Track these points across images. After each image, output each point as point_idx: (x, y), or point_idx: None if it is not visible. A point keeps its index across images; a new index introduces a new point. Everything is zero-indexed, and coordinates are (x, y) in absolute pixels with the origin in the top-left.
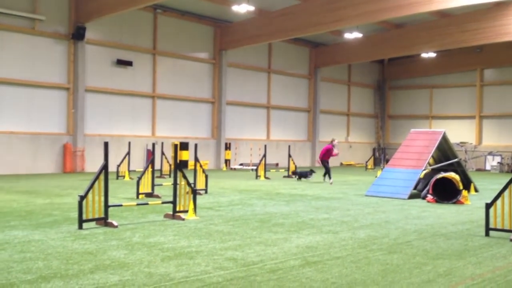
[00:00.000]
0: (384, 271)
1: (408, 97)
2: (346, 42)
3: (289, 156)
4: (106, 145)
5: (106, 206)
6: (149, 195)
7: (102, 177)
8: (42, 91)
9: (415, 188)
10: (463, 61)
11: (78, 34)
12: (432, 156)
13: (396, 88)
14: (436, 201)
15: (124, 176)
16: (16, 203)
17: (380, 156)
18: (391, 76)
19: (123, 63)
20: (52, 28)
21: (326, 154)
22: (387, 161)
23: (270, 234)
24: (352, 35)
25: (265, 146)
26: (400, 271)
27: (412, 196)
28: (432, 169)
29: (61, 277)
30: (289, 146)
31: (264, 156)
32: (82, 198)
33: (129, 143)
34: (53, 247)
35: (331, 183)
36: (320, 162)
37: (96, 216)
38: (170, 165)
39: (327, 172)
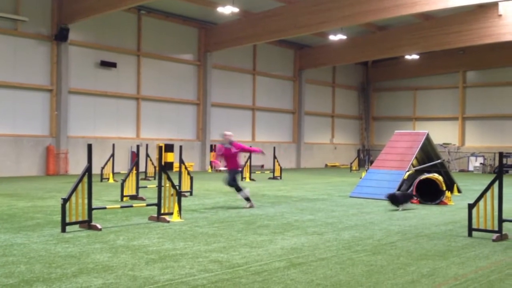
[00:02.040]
0: (368, 272)
1: (392, 99)
2: (330, 44)
3: (275, 157)
4: (89, 147)
5: (90, 209)
6: (134, 197)
7: (85, 179)
8: (24, 93)
9: (399, 189)
10: (446, 63)
11: (61, 35)
12: (416, 157)
13: (380, 90)
14: (420, 202)
15: (108, 179)
16: None
17: (365, 157)
18: (375, 78)
19: (107, 64)
20: (34, 29)
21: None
22: (371, 162)
23: (255, 236)
24: (337, 37)
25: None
26: (384, 272)
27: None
28: (416, 170)
29: (43, 281)
30: (274, 148)
31: (249, 157)
32: (65, 201)
33: (113, 145)
34: (35, 251)
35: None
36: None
37: (80, 219)
38: (154, 167)
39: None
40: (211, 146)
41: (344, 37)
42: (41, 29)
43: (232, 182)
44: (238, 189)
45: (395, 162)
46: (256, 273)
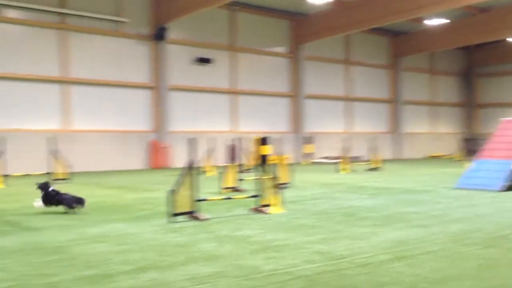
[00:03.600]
0: (480, 266)
1: (497, 84)
2: (428, 29)
3: (371, 149)
4: (191, 141)
5: (194, 200)
6: (233, 189)
7: (189, 172)
8: (128, 91)
9: (509, 179)
10: None
11: (159, 35)
12: None
13: (484, 75)
14: None
15: (207, 172)
16: (110, 198)
17: (469, 147)
18: (478, 63)
19: (203, 60)
20: (135, 30)
21: None
22: (477, 152)
23: (356, 228)
24: (434, 22)
25: (347, 139)
26: (498, 266)
27: (506, 188)
28: None
29: (156, 268)
30: (371, 139)
31: (346, 149)
32: (171, 192)
33: (211, 138)
34: (147, 240)
35: None
36: None
37: (185, 210)
38: (252, 160)
39: None
40: (306, 137)
41: (443, 21)
42: (140, 29)
43: None
44: None
45: (505, 151)
46: (360, 265)
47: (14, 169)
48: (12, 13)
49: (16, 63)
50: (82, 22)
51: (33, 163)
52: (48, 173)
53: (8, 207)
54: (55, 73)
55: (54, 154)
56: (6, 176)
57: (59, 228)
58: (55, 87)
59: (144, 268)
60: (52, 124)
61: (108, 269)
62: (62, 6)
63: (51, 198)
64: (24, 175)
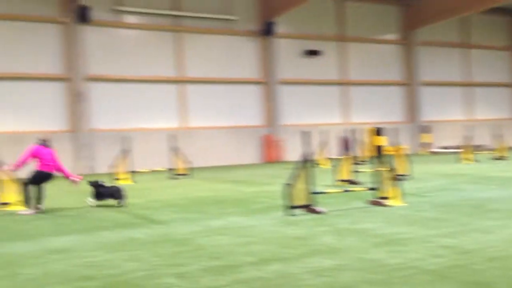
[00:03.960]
0: None
1: None
2: None
3: (496, 136)
4: (304, 134)
5: (311, 193)
6: (348, 182)
7: (304, 165)
8: (240, 87)
9: None
10: None
11: (268, 30)
12: None
13: None
14: None
15: (321, 164)
16: (228, 192)
17: None
18: None
19: (312, 53)
20: (244, 27)
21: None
22: None
23: (485, 221)
24: None
25: (467, 126)
26: None
27: None
28: None
29: (279, 260)
30: (495, 126)
31: (467, 137)
32: (289, 186)
33: (324, 131)
34: (267, 232)
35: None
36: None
37: (301, 203)
38: (366, 152)
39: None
40: (423, 127)
41: None
42: (249, 26)
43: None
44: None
45: None
46: (492, 259)
47: (140, 166)
48: (130, 19)
49: (136, 66)
50: (195, 23)
51: (156, 159)
52: (170, 169)
53: (136, 201)
54: (172, 73)
55: (175, 150)
56: (133, 172)
57: (183, 221)
58: (173, 87)
59: (267, 260)
60: (171, 122)
61: (233, 260)
62: (176, 9)
63: (102, 193)
64: (148, 171)
